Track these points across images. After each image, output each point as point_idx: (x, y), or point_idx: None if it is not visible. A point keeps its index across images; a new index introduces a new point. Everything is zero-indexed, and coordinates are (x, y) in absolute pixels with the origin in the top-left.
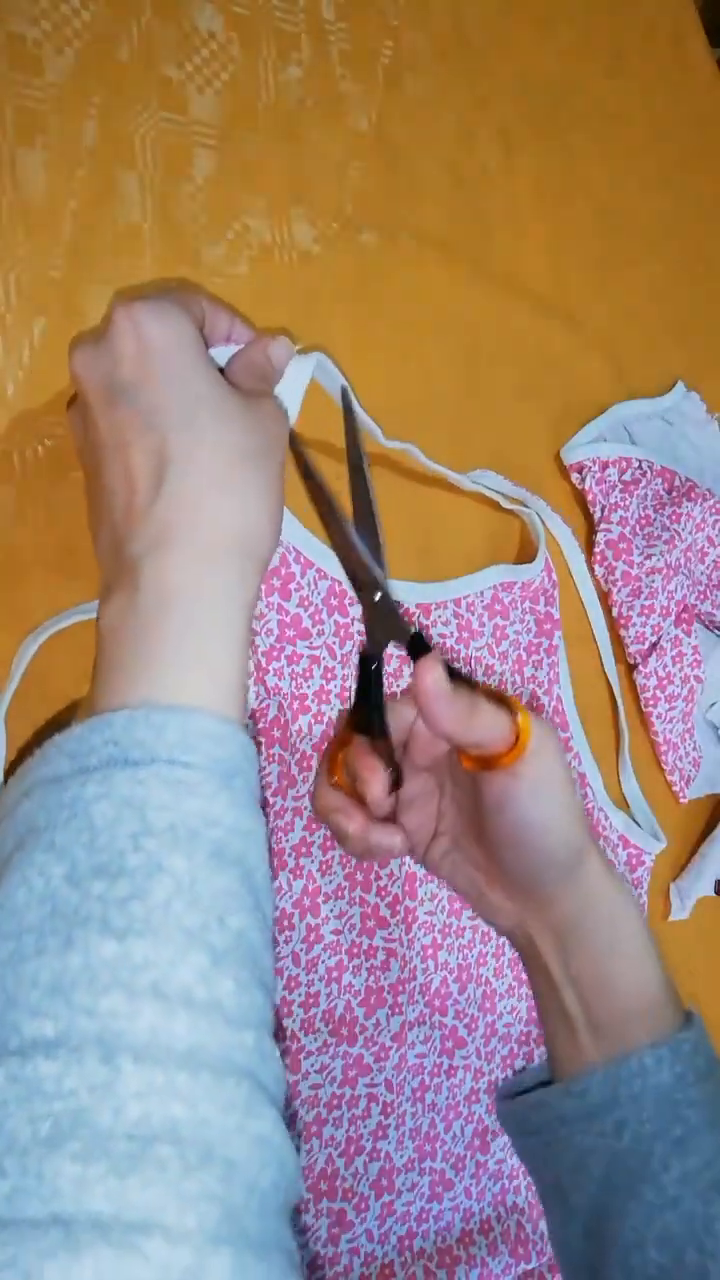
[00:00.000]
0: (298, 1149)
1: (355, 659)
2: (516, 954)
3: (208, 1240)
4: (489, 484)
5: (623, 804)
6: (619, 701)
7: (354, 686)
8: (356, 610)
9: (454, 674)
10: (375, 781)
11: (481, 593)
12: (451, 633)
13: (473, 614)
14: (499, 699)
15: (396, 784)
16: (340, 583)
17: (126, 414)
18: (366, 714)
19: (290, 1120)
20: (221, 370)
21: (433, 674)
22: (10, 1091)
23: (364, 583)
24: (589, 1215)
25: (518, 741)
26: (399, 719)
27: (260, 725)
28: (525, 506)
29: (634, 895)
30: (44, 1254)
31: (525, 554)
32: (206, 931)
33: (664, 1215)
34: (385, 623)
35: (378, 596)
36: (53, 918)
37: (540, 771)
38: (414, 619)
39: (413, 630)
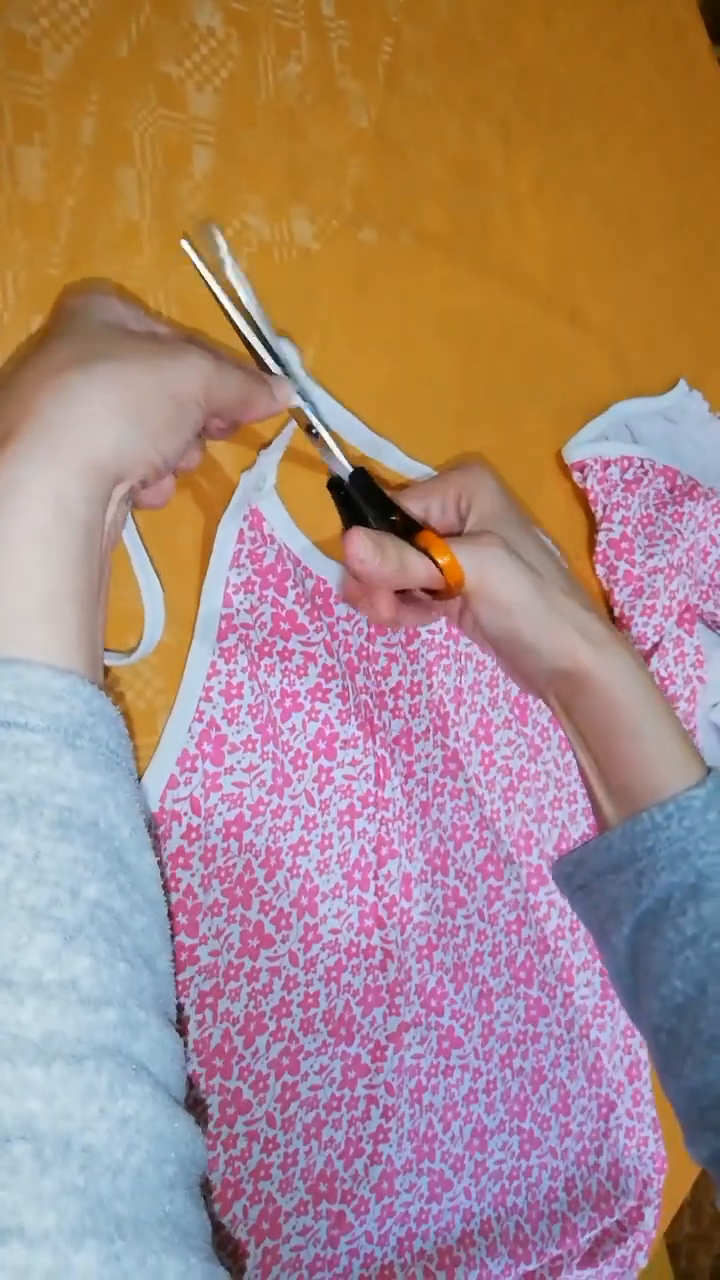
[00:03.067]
0: (203, 1118)
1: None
2: (511, 955)
3: (69, 1238)
4: None
5: None
6: None
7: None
8: (341, 609)
9: (398, 514)
10: (380, 605)
11: None
12: (440, 628)
13: None
14: (429, 543)
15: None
16: (325, 580)
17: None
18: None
19: (192, 1082)
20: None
21: (355, 550)
22: None
23: (306, 423)
24: (626, 954)
25: (450, 581)
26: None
27: (256, 723)
28: None
29: (643, 674)
30: None
31: None
32: (56, 907)
33: (684, 953)
34: (330, 459)
35: (314, 433)
36: None
37: (486, 597)
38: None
39: (349, 470)
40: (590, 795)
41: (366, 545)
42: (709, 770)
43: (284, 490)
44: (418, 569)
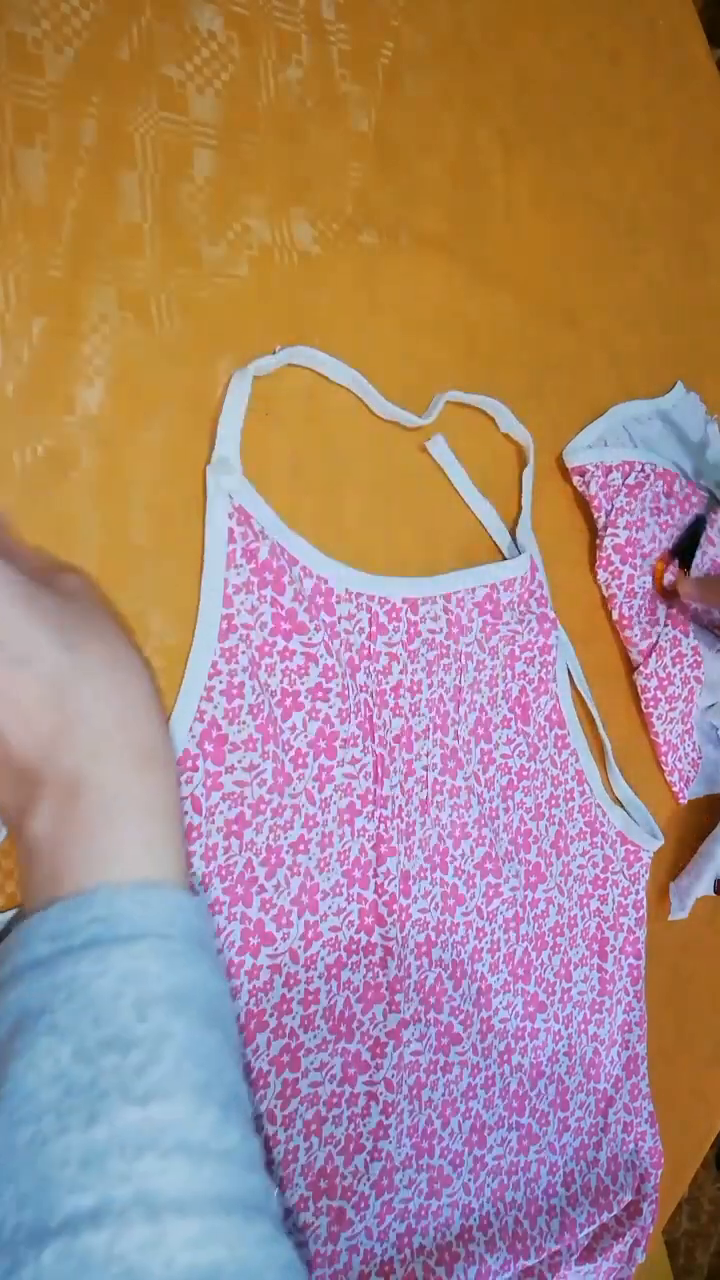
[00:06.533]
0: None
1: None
2: (510, 951)
3: None
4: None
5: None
6: (592, 708)
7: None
8: (342, 609)
9: None
10: None
11: (474, 589)
12: (441, 628)
13: (462, 609)
14: None
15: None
16: (325, 580)
17: None
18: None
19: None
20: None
21: (683, 587)
22: (61, 1270)
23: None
24: None
25: None
26: None
27: (257, 722)
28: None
29: None
30: None
31: None
32: (211, 1088)
33: None
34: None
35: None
36: (69, 1095)
37: None
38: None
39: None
40: None
41: (689, 582)
42: None
43: (266, 489)
44: None
